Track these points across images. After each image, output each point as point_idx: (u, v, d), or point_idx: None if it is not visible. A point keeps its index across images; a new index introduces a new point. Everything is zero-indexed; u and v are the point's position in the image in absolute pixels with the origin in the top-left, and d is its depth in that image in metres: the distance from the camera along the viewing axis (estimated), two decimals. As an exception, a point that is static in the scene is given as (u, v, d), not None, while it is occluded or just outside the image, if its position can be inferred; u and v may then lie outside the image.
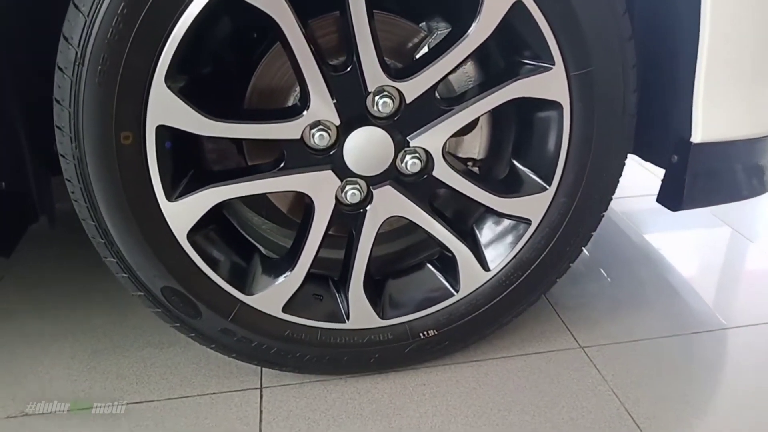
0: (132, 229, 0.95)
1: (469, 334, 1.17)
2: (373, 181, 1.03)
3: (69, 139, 0.89)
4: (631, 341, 1.28)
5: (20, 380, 1.18)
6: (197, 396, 1.14)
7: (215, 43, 1.01)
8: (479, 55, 1.08)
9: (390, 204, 1.05)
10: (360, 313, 1.10)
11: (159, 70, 0.87)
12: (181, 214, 0.97)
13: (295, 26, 0.89)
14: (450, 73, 0.97)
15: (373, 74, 0.95)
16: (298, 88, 1.01)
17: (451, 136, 1.02)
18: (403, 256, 1.25)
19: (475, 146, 1.18)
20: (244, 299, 1.05)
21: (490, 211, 1.12)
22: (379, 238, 1.08)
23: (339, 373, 1.18)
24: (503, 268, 1.12)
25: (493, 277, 1.12)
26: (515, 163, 1.13)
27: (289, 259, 1.07)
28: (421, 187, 1.05)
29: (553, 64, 0.96)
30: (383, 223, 1.07)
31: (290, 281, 1.06)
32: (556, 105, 1.00)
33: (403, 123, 0.99)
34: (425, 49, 1.07)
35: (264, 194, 1.15)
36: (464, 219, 1.19)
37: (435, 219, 1.07)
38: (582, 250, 1.14)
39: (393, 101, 0.97)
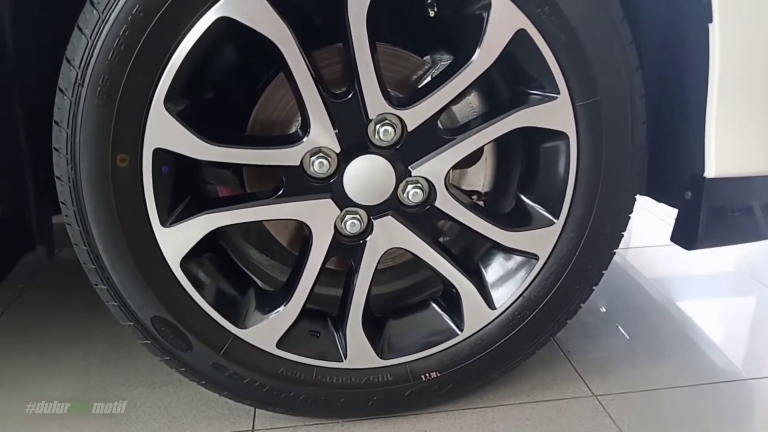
0: (123, 254, 0.93)
1: (474, 377, 1.11)
2: (374, 211, 1.00)
3: (65, 160, 0.89)
4: (646, 390, 1.21)
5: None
6: (185, 437, 1.09)
7: (218, 70, 1.01)
8: (482, 86, 1.07)
9: (391, 235, 1.02)
10: (358, 351, 1.05)
11: (159, 92, 0.86)
12: (176, 241, 0.94)
13: (296, 50, 0.88)
14: (453, 101, 0.95)
15: (375, 101, 0.93)
16: (299, 118, 1.00)
17: (455, 167, 1.00)
18: (406, 294, 1.21)
19: (479, 179, 1.15)
20: (236, 332, 1.01)
21: (496, 247, 1.08)
22: (381, 277, 1.04)
23: (335, 416, 1.12)
24: (510, 306, 1.06)
25: (499, 316, 1.07)
26: (521, 196, 1.09)
27: (285, 292, 1.03)
28: (423, 218, 1.02)
29: (558, 94, 0.94)
30: (384, 258, 1.04)
31: (285, 315, 1.02)
32: (562, 135, 0.97)
33: (405, 152, 0.97)
34: (428, 80, 1.06)
35: (263, 226, 1.14)
36: (469, 255, 1.14)
37: (438, 252, 1.03)
38: (593, 290, 1.09)
39: (394, 129, 0.95)
